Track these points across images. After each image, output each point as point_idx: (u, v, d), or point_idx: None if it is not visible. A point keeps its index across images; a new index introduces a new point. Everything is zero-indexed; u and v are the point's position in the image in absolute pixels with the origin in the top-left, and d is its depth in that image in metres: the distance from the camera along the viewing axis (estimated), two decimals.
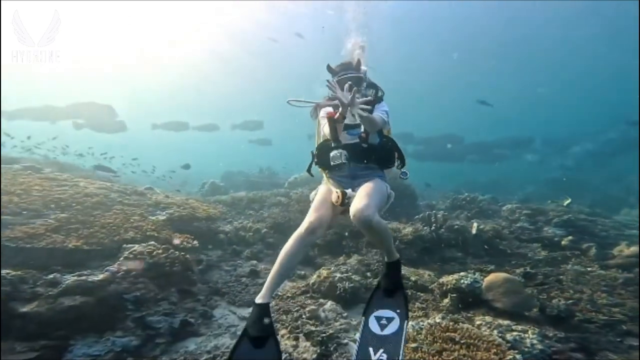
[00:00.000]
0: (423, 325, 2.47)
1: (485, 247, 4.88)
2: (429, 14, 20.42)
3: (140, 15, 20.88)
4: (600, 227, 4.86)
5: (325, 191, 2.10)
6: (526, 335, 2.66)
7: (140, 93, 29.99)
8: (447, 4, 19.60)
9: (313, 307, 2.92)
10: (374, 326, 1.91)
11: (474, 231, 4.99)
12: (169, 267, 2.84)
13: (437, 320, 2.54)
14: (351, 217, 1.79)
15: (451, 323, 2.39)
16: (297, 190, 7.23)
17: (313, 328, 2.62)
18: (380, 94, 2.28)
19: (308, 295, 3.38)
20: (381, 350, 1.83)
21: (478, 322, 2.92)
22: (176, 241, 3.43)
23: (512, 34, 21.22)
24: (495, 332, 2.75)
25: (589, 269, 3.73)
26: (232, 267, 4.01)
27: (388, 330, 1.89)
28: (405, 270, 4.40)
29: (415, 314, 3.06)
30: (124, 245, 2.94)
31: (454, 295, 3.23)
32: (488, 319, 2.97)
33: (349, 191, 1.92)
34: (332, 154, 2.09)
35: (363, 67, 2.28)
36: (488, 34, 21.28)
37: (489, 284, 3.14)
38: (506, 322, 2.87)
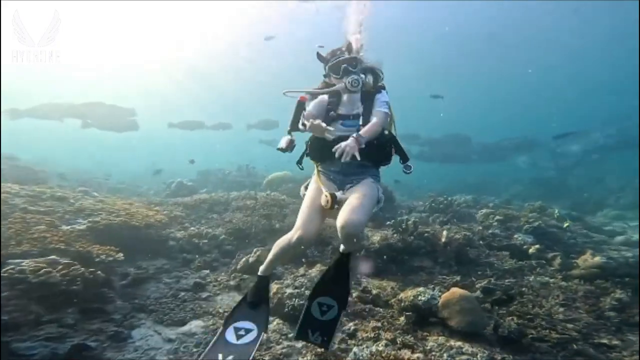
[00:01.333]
0: (363, 355, 2.37)
1: (454, 255, 4.89)
2: (434, 14, 20.50)
3: (153, 14, 20.55)
4: (569, 234, 4.96)
5: (314, 191, 2.12)
6: (475, 358, 2.63)
7: (152, 92, 29.58)
8: (452, 4, 19.77)
9: None
10: (315, 311, 2.16)
11: (443, 239, 4.98)
12: (65, 286, 2.61)
13: (380, 348, 2.47)
14: (339, 228, 1.84)
15: (393, 352, 2.32)
16: (265, 193, 7.05)
17: None
18: (380, 80, 2.22)
19: None
20: (317, 333, 2.12)
21: (430, 344, 2.88)
22: (93, 253, 3.18)
23: (517, 35, 21.65)
24: (445, 355, 2.71)
25: (551, 280, 3.78)
26: (174, 280, 3.81)
27: (327, 317, 2.14)
28: (368, 281, 4.34)
29: (366, 335, 2.97)
30: (8, 261, 2.68)
31: (409, 313, 3.18)
32: (441, 339, 2.93)
33: (339, 194, 1.94)
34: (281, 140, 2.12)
35: (359, 52, 2.22)
36: (492, 34, 21.66)
37: (445, 301, 3.10)
38: (458, 343, 2.84)
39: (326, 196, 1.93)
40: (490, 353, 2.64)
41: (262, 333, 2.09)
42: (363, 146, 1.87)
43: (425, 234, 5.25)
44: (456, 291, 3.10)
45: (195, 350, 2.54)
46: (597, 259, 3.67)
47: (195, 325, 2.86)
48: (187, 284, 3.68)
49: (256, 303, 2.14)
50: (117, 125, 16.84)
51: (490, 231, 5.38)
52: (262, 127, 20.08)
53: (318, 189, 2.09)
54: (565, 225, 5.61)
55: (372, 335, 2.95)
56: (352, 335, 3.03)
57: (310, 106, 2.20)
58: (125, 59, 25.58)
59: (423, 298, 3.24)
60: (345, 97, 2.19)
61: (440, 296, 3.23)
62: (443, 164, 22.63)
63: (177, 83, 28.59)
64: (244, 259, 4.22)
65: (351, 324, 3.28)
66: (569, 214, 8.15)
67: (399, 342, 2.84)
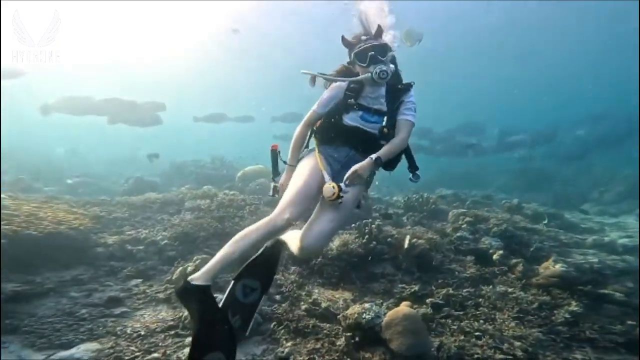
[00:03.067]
0: None
1: (417, 262, 4.80)
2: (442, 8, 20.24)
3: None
4: (537, 237, 4.94)
5: (311, 170, 2.07)
6: None
7: (175, 86, 30.52)
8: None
9: (156, 355, 2.56)
10: (239, 292, 2.26)
11: (406, 244, 4.88)
12: None
13: None
14: (300, 247, 1.97)
15: None
16: (222, 192, 6.78)
17: None
18: (400, 74, 2.19)
19: (173, 332, 3.00)
20: (237, 316, 2.23)
21: None
22: None
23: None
24: None
25: (509, 289, 3.72)
26: (84, 293, 3.48)
27: (248, 299, 2.28)
28: (321, 292, 4.20)
29: (300, 359, 2.83)
30: None
31: (349, 334, 3.05)
32: None
33: (343, 186, 1.90)
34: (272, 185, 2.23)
35: (390, 38, 2.17)
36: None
37: (389, 320, 2.97)
38: None
39: (333, 187, 1.86)
40: None
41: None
42: (378, 169, 2.01)
43: (389, 239, 5.14)
44: (400, 310, 2.97)
45: None
46: (558, 266, 3.62)
47: (84, 349, 2.54)
48: (100, 298, 3.39)
49: (211, 322, 1.73)
50: (142, 120, 16.82)
51: (458, 234, 5.31)
52: (287, 120, 20.17)
53: (315, 169, 2.05)
54: (543, 223, 5.56)
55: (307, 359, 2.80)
56: (283, 359, 2.88)
57: (325, 95, 2.17)
58: (142, 54, 26.34)
59: (367, 316, 3.11)
60: (368, 87, 2.12)
61: (385, 314, 3.11)
62: (454, 158, 22.64)
63: (199, 75, 29.21)
64: (180, 268, 3.99)
65: (289, 343, 3.13)
66: (547, 211, 8.25)
67: None
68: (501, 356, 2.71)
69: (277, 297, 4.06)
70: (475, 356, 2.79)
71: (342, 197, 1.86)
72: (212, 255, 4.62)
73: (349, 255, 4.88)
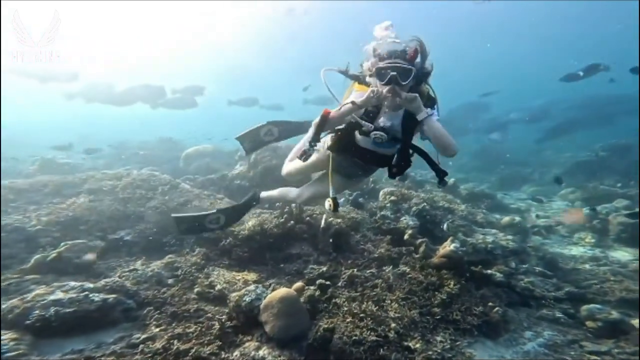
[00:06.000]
0: None
1: (333, 242, 4.81)
2: None
3: None
4: (450, 217, 5.14)
5: (322, 166, 2.77)
6: None
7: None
8: None
9: None
10: (210, 220, 3.44)
11: (322, 224, 4.85)
12: None
13: None
14: (300, 201, 3.34)
15: None
16: (136, 172, 6.26)
17: None
18: (430, 103, 2.28)
19: None
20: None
21: (235, 353, 2.71)
22: None
23: None
24: None
25: (407, 270, 3.82)
26: None
27: (210, 227, 3.50)
28: (220, 274, 4.06)
29: (153, 345, 2.66)
30: None
31: (224, 317, 2.97)
32: (252, 347, 2.78)
33: (341, 202, 2.35)
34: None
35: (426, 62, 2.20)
36: None
37: (267, 303, 2.93)
38: (267, 351, 2.70)
39: (329, 202, 2.30)
40: None
41: None
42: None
43: (307, 218, 5.08)
44: (278, 292, 2.93)
45: None
46: (452, 246, 3.76)
47: None
48: None
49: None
50: (181, 103, 17.49)
51: (382, 213, 5.39)
52: (319, 103, 20.27)
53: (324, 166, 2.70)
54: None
55: (160, 346, 2.67)
56: (132, 346, 2.72)
57: (343, 110, 2.30)
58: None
59: (247, 299, 3.05)
60: (386, 108, 2.26)
61: (266, 297, 3.05)
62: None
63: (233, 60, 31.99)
64: (39, 256, 3.63)
65: (157, 329, 2.99)
66: (484, 191, 8.70)
67: (190, 354, 2.61)
68: (374, 337, 2.77)
69: (170, 280, 3.87)
70: (353, 338, 2.83)
71: (337, 210, 2.29)
72: (82, 241, 4.14)
73: (264, 235, 4.77)
